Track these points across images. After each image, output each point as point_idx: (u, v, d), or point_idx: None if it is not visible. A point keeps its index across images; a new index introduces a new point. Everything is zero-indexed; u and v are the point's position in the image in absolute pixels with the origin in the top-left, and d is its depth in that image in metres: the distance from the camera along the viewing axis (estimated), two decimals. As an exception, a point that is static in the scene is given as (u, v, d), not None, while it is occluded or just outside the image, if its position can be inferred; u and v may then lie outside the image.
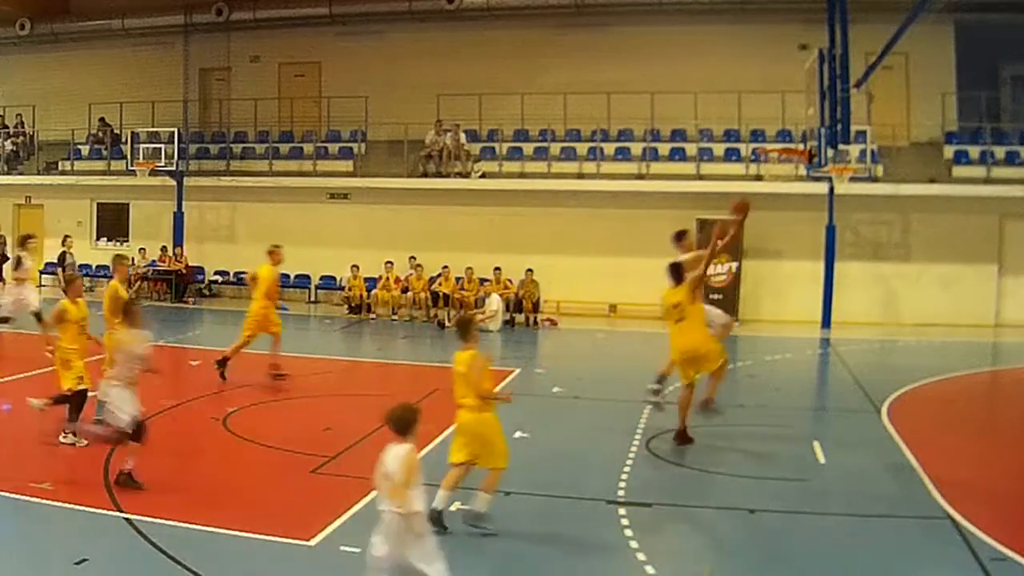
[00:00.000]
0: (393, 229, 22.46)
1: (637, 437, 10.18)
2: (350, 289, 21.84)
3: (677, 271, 9.68)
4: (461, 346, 7.24)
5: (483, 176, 22.32)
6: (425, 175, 22.64)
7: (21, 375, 13.04)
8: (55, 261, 24.80)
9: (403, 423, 5.44)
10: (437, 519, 6.73)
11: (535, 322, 20.49)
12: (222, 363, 12.74)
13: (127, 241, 25.20)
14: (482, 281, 21.12)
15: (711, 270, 20.29)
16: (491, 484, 7.10)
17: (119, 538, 6.84)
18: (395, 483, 5.12)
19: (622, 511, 7.70)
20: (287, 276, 23.81)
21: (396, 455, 5.26)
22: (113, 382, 8.04)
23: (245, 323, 13.08)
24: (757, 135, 21.53)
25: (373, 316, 21.33)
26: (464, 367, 7.07)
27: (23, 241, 15.11)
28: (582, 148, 22.24)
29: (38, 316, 13.63)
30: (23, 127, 26.33)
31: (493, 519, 7.05)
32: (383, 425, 5.40)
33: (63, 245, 18.98)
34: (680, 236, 10.37)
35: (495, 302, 19.74)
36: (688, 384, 9.85)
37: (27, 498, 7.53)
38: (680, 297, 9.62)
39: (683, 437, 9.92)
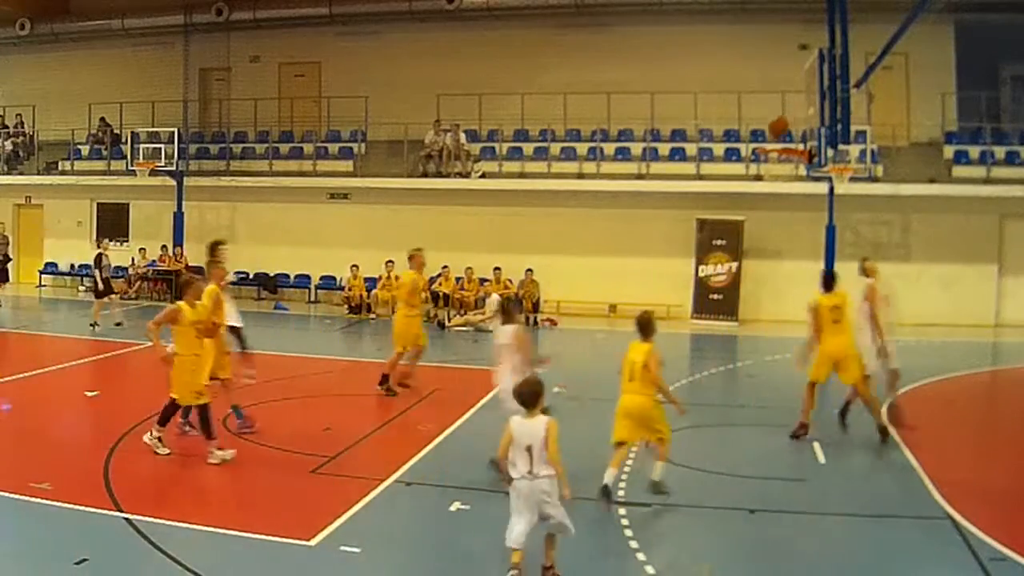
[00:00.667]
0: (393, 229, 22.41)
1: (637, 437, 10.16)
2: (350, 289, 21.84)
3: (831, 277, 10.73)
4: (640, 339, 8.04)
5: (483, 176, 22.32)
6: (425, 175, 22.64)
7: (21, 375, 13.05)
8: (89, 263, 24.92)
9: (535, 396, 6.15)
10: (607, 493, 7.79)
11: (535, 322, 20.48)
12: (384, 381, 12.18)
13: (127, 241, 25.19)
14: (482, 281, 21.11)
15: (712, 270, 20.55)
16: (663, 453, 8.06)
17: (119, 538, 6.84)
18: (550, 451, 6.00)
19: (622, 511, 7.70)
20: (286, 276, 23.93)
21: (538, 427, 6.03)
22: (511, 376, 8.28)
23: (393, 336, 12.40)
24: (757, 135, 21.51)
25: (373, 316, 21.32)
26: (643, 357, 7.91)
27: (213, 249, 12.80)
28: (582, 148, 22.24)
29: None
30: (23, 127, 26.33)
31: (669, 486, 7.98)
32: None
33: (99, 247, 18.97)
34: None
35: (495, 303, 19.69)
36: (813, 384, 10.33)
37: (27, 498, 7.53)
38: (839, 300, 10.46)
39: (803, 430, 10.31)
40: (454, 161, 22.42)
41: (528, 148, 22.69)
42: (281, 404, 11.80)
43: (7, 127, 26.53)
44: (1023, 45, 19.94)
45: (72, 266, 25.65)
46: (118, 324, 17.76)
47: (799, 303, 19.81)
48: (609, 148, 22.12)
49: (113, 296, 18.31)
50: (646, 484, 8.08)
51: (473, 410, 11.45)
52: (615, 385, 11.91)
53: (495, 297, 19.92)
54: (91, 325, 17.66)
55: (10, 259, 21.82)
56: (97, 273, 18.19)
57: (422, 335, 12.37)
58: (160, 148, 23.08)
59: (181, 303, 9.03)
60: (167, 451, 9.03)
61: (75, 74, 25.45)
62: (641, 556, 6.74)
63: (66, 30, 25.74)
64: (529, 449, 6.00)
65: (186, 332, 8.87)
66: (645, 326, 8.12)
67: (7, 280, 21.37)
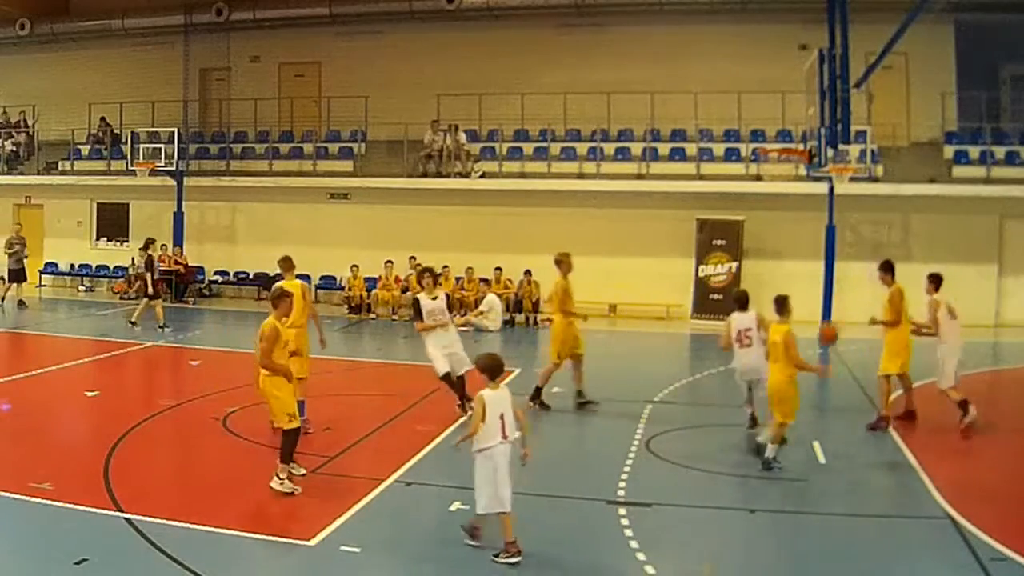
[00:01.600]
0: (393, 229, 22.45)
1: (637, 437, 10.18)
2: (350, 289, 21.83)
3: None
4: (778, 320, 8.96)
5: (483, 176, 22.32)
6: (425, 175, 22.63)
7: (21, 375, 13.06)
8: (142, 265, 24.98)
9: (500, 369, 6.87)
10: (769, 464, 8.85)
11: (535, 322, 20.48)
12: (537, 396, 11.58)
13: (127, 241, 25.19)
14: (482, 281, 21.10)
15: (712, 270, 20.55)
16: (777, 434, 8.86)
17: (119, 538, 6.84)
18: (520, 415, 6.81)
19: (622, 511, 7.70)
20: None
21: (505, 396, 6.75)
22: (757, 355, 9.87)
23: (551, 344, 11.83)
24: (757, 135, 21.52)
25: (373, 316, 21.32)
26: (779, 337, 8.74)
27: (423, 277, 11.20)
28: (582, 148, 22.23)
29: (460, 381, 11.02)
30: (26, 126, 26.33)
31: (781, 461, 8.90)
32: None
33: (148, 249, 18.96)
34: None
35: (487, 303, 19.66)
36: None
37: (27, 498, 7.53)
38: None
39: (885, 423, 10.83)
40: (454, 161, 22.42)
41: (528, 148, 22.68)
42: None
43: (10, 124, 26.50)
44: (1023, 45, 19.93)
45: (72, 266, 25.65)
46: (132, 324, 17.83)
47: (799, 303, 19.99)
48: (609, 148, 22.10)
49: (158, 299, 18.34)
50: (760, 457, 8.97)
51: (473, 410, 11.43)
52: (614, 385, 11.94)
53: (491, 297, 19.92)
54: (159, 327, 17.65)
55: (27, 255, 21.81)
56: (148, 276, 18.26)
57: (580, 343, 11.84)
58: (160, 148, 23.07)
59: (274, 321, 8.09)
60: (298, 489, 8.06)
61: (75, 74, 25.43)
62: (641, 556, 6.74)
63: (66, 30, 25.73)
64: (502, 416, 6.63)
65: (280, 351, 8.10)
66: (781, 305, 8.97)
67: (24, 279, 21.49)
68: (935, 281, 11.22)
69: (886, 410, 10.77)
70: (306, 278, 23.46)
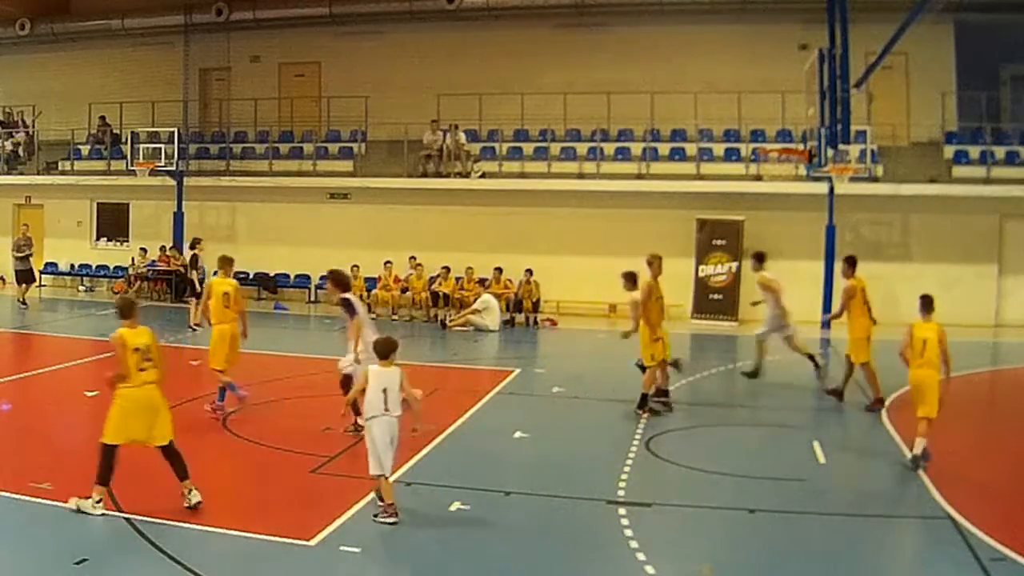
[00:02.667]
0: (393, 229, 22.45)
1: (637, 437, 10.19)
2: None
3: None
4: (923, 318, 9.20)
5: (483, 176, 22.31)
6: (425, 175, 22.63)
7: (21, 375, 13.06)
8: (89, 264, 25.14)
9: (393, 349, 7.44)
10: (917, 461, 8.84)
11: (535, 322, 20.47)
12: (644, 403, 11.26)
13: (127, 241, 25.19)
14: (481, 281, 21.10)
15: (712, 270, 20.56)
16: (925, 429, 8.91)
17: (119, 538, 6.84)
18: (408, 391, 7.30)
19: (622, 511, 7.70)
20: (286, 276, 23.90)
21: (393, 374, 7.32)
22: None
23: (643, 351, 11.45)
24: (757, 135, 21.51)
25: (373, 316, 21.28)
26: (935, 335, 9.05)
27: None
28: (582, 148, 22.22)
29: None
30: (26, 126, 26.32)
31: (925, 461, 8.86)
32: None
33: (192, 248, 18.89)
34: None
35: (483, 301, 19.63)
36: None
37: (27, 498, 7.53)
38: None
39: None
40: (454, 161, 22.42)
41: (528, 148, 22.67)
42: (281, 404, 11.81)
43: (18, 122, 26.49)
44: (1023, 45, 19.93)
45: (72, 266, 25.65)
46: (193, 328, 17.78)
47: (799, 303, 20.03)
48: (609, 148, 22.08)
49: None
50: (908, 458, 9.01)
51: (473, 410, 11.45)
52: (615, 385, 11.96)
53: (486, 296, 19.92)
54: (191, 328, 17.59)
55: (31, 254, 21.84)
56: (194, 274, 18.24)
57: (662, 348, 11.37)
58: (160, 148, 23.07)
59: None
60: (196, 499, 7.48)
61: (75, 74, 25.43)
62: (641, 556, 6.74)
63: (66, 30, 25.72)
64: (385, 391, 7.18)
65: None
66: (927, 304, 9.26)
67: (33, 280, 21.53)
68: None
69: (879, 393, 11.55)
70: (306, 278, 23.69)
